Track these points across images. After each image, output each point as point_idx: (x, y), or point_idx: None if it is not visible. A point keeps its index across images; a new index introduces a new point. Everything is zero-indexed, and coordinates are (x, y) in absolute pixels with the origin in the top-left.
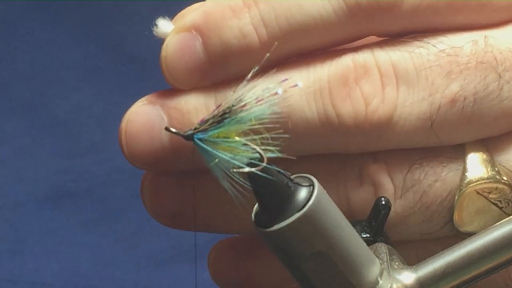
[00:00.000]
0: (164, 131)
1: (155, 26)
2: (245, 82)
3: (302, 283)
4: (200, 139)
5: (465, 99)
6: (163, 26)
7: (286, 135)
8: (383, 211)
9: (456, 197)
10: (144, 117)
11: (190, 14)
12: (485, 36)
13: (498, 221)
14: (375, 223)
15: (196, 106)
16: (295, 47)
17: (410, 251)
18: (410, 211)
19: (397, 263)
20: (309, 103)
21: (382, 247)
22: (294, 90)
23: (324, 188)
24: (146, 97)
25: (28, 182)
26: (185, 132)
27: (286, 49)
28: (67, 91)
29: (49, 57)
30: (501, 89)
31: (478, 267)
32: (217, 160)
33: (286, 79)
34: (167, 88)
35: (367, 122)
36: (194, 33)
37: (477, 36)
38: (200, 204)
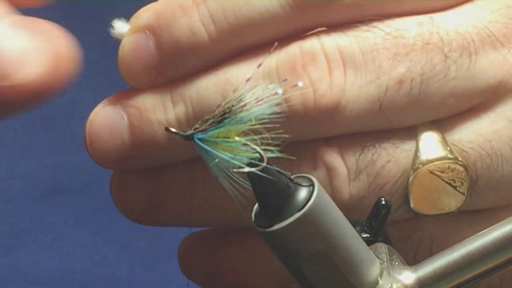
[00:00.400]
0: (124, 130)
1: (111, 28)
2: (245, 82)
3: (302, 283)
4: (200, 139)
5: (412, 80)
6: (119, 27)
7: (286, 135)
8: (383, 211)
9: (410, 178)
10: (105, 117)
11: (143, 15)
12: (431, 18)
13: (452, 201)
14: (375, 223)
15: (153, 104)
16: (244, 41)
17: None
18: (365, 192)
19: (397, 263)
20: None
21: (382, 247)
22: (242, 78)
23: None
24: (107, 98)
25: (22, 177)
26: (185, 132)
27: (236, 44)
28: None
29: None
30: (448, 69)
31: (478, 267)
32: (217, 160)
33: (286, 79)
34: None
35: (316, 107)
36: (147, 33)
37: (423, 18)
38: (172, 198)
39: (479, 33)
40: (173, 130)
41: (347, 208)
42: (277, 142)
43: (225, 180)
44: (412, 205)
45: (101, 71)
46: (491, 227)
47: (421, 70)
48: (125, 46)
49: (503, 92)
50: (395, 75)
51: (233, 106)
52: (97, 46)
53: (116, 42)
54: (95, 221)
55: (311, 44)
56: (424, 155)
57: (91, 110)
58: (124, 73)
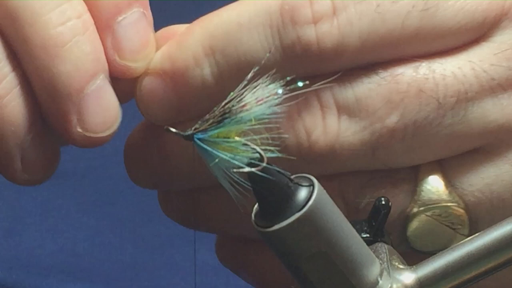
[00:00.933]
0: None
1: None
2: (245, 82)
3: (302, 283)
4: (200, 139)
5: (405, 128)
6: None
7: (286, 135)
8: (383, 211)
9: (408, 219)
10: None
11: (155, 58)
12: (429, 62)
13: (452, 241)
14: (375, 223)
15: None
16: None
17: None
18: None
19: (397, 263)
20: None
21: (382, 247)
22: None
23: None
24: None
25: None
26: (185, 132)
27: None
28: None
29: None
30: (443, 116)
31: (478, 267)
32: (217, 160)
33: (287, 79)
34: None
35: (311, 152)
36: (163, 78)
37: (420, 62)
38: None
39: (478, 77)
40: (173, 130)
41: None
42: (277, 142)
43: (225, 180)
44: (411, 244)
45: None
46: (491, 227)
47: (415, 118)
48: (143, 87)
49: (507, 135)
50: (388, 123)
51: (233, 106)
52: None
53: None
54: (99, 206)
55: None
56: (424, 197)
57: None
58: (143, 111)
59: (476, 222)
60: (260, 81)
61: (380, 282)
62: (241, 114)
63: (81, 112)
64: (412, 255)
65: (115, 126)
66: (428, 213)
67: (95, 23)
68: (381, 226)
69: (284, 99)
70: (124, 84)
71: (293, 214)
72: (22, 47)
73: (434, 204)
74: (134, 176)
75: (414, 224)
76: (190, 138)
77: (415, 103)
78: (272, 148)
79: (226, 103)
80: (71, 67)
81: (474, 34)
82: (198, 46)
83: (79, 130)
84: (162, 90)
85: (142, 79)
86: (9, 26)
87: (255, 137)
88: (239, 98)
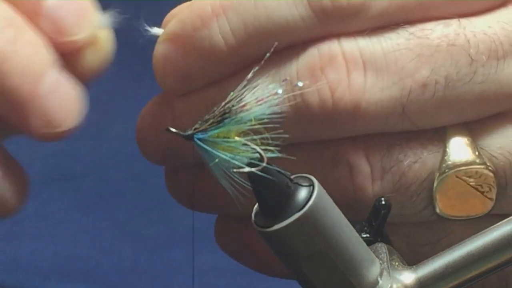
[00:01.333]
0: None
1: (148, 31)
2: (245, 82)
3: (302, 283)
4: (200, 139)
5: (436, 83)
6: (155, 31)
7: (286, 135)
8: (383, 211)
9: (436, 181)
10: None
11: (171, 22)
12: (458, 20)
13: (479, 205)
14: (375, 223)
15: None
16: (264, 50)
17: (399, 236)
18: (390, 192)
19: (397, 263)
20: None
21: (382, 247)
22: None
23: (303, 171)
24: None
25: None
26: (185, 132)
27: (256, 53)
28: None
29: None
30: (475, 72)
31: (478, 267)
32: (217, 160)
33: (286, 79)
34: None
35: (335, 109)
36: (174, 42)
37: (450, 20)
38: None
39: (508, 36)
40: (174, 130)
41: (370, 206)
42: (277, 142)
43: (225, 180)
44: (437, 208)
45: None
46: (491, 227)
47: (446, 73)
48: (157, 54)
49: None
50: (418, 78)
51: (233, 106)
52: None
53: (126, 32)
54: (98, 209)
55: (330, 46)
56: (452, 159)
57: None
58: (159, 80)
59: (504, 187)
60: (260, 81)
61: (380, 282)
62: (241, 114)
63: (41, 112)
64: (432, 226)
65: (80, 114)
66: (457, 175)
67: (26, 14)
68: (381, 226)
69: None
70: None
71: (293, 214)
72: None
73: (462, 166)
74: (145, 149)
75: (442, 186)
76: (190, 138)
77: (446, 57)
78: (272, 148)
79: (226, 103)
80: (18, 71)
81: None
82: (207, 4)
83: (43, 130)
84: (173, 55)
85: (156, 47)
86: None
87: (255, 137)
88: (239, 98)
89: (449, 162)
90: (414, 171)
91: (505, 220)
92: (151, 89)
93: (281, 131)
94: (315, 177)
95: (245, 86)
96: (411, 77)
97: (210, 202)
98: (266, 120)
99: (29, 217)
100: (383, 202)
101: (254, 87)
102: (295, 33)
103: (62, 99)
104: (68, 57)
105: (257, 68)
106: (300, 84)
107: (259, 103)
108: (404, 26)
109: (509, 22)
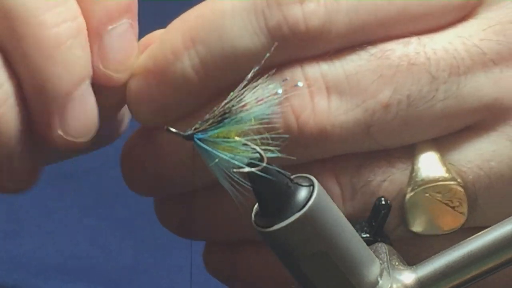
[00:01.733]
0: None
1: None
2: (245, 82)
3: (302, 283)
4: (200, 139)
5: (399, 103)
6: None
7: (286, 135)
8: (382, 211)
9: (406, 198)
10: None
11: (141, 58)
12: (419, 38)
13: (451, 220)
14: (375, 223)
15: None
16: (233, 78)
17: None
18: (361, 211)
19: (397, 263)
20: None
21: (382, 247)
22: None
23: None
24: None
25: None
26: (185, 132)
27: (224, 81)
28: None
29: None
30: (436, 90)
31: (478, 267)
32: (217, 160)
33: (286, 79)
34: None
35: (301, 134)
36: (147, 77)
37: (410, 39)
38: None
39: (469, 51)
40: (173, 130)
41: None
42: (277, 142)
43: (225, 180)
44: (409, 226)
45: None
46: (491, 227)
47: (408, 92)
48: (131, 89)
49: (501, 110)
50: (381, 98)
51: (233, 106)
52: None
53: None
54: (99, 208)
55: (292, 73)
56: (420, 176)
57: None
58: (134, 114)
59: (475, 200)
60: (260, 81)
61: (380, 282)
62: (241, 114)
63: (64, 116)
64: (409, 242)
65: (92, 133)
66: (426, 192)
67: (88, 30)
68: (381, 226)
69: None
70: (106, 95)
71: (293, 214)
72: (16, 47)
73: (431, 182)
74: (130, 182)
75: (412, 204)
76: (190, 138)
77: (407, 77)
78: (272, 148)
79: (226, 103)
80: (62, 69)
81: (461, 11)
82: (178, 39)
83: (60, 132)
84: (147, 90)
85: (129, 81)
86: (3, 27)
87: (255, 137)
88: (239, 98)
89: (418, 179)
90: (384, 189)
91: (505, 220)
92: None
93: (281, 131)
94: None
95: (245, 86)
96: (374, 98)
97: (198, 230)
98: (266, 120)
99: (30, 215)
100: (383, 202)
101: (254, 87)
102: (259, 60)
103: (86, 112)
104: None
105: (257, 68)
106: (300, 84)
107: (259, 103)
108: (365, 47)
109: (469, 36)
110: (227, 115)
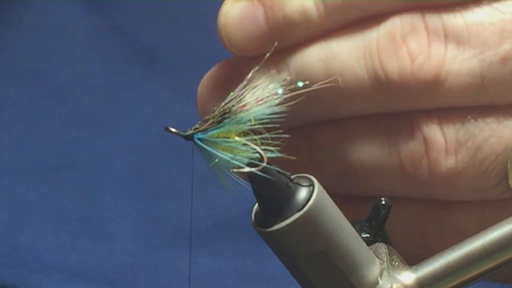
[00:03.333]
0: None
1: None
2: (245, 82)
3: (302, 283)
4: (200, 139)
5: None
6: None
7: (286, 135)
8: (383, 211)
9: (510, 154)
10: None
11: None
12: None
13: None
14: (375, 223)
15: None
16: (350, 16)
17: (470, 216)
18: (464, 166)
19: (397, 263)
20: (359, 61)
21: (382, 247)
22: (344, 51)
23: (376, 144)
24: None
25: (28, 151)
26: (185, 132)
27: (342, 19)
28: (73, 59)
29: (56, 23)
30: None
31: (478, 267)
32: (217, 160)
33: (287, 79)
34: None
35: (413, 78)
36: (256, 3)
37: None
38: None
39: None
40: (173, 130)
41: (442, 181)
42: (277, 142)
43: (225, 180)
44: (511, 184)
45: (113, 47)
46: (491, 227)
47: None
48: (230, 13)
49: None
50: (500, 51)
51: (233, 106)
52: (110, 22)
53: (131, 21)
54: (101, 200)
55: (413, 16)
56: None
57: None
58: (226, 40)
59: None
60: (260, 81)
61: (380, 282)
62: (241, 114)
63: None
64: (506, 205)
65: None
66: None
67: None
68: (381, 226)
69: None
70: None
71: (293, 214)
72: None
73: None
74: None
75: None
76: (190, 138)
77: None
78: (272, 148)
79: (226, 103)
80: None
81: None
82: None
83: None
84: (253, 16)
85: (229, 5)
86: None
87: (255, 137)
88: (239, 98)
89: None
90: (490, 145)
91: (505, 220)
92: (156, 82)
93: (281, 130)
94: (386, 148)
95: (245, 86)
96: (492, 50)
97: None
98: (266, 120)
99: (32, 205)
100: (383, 202)
101: (254, 87)
102: (381, 3)
103: None
104: None
105: (257, 68)
106: (300, 84)
107: (259, 103)
108: (489, 0)
109: None
110: (227, 115)
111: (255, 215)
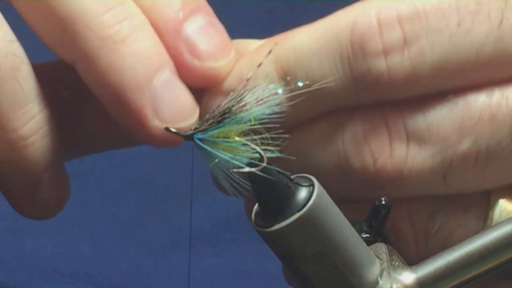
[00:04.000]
0: None
1: None
2: (245, 82)
3: (302, 283)
4: (200, 139)
5: (477, 153)
6: None
7: (286, 135)
8: (383, 211)
9: None
10: None
11: (228, 78)
12: (502, 89)
13: None
14: (375, 223)
15: None
16: (309, 113)
17: None
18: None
19: (397, 263)
20: (326, 147)
21: (382, 247)
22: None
23: None
24: None
25: None
26: (185, 132)
27: (302, 115)
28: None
29: None
30: None
31: (478, 267)
32: (217, 160)
33: (287, 79)
34: None
35: (377, 175)
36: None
37: (492, 89)
38: None
39: None
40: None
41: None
42: (277, 142)
43: (225, 180)
44: None
45: None
46: (491, 227)
47: (487, 144)
48: (212, 106)
49: None
50: (460, 149)
51: (233, 106)
52: None
53: None
54: (102, 208)
55: (374, 115)
56: (496, 222)
57: None
58: None
59: None
60: (260, 81)
61: (380, 282)
62: (241, 114)
63: (155, 103)
64: None
65: (193, 118)
66: None
67: (160, 30)
68: (381, 226)
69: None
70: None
71: (293, 214)
72: (82, 52)
73: None
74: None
75: None
76: (190, 138)
77: (488, 129)
78: (272, 148)
79: (226, 103)
80: (134, 59)
81: None
82: (271, 67)
83: (157, 122)
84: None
85: (210, 98)
86: (65, 34)
87: (255, 137)
88: (239, 98)
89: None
90: (458, 236)
91: (505, 220)
92: None
93: (281, 131)
94: None
95: (245, 86)
96: (453, 148)
97: None
98: (266, 120)
99: None
100: (383, 202)
101: (254, 87)
102: (339, 99)
103: (177, 97)
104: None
105: (257, 68)
106: (300, 84)
107: (259, 103)
108: (448, 96)
109: None
110: (227, 115)
111: (255, 215)
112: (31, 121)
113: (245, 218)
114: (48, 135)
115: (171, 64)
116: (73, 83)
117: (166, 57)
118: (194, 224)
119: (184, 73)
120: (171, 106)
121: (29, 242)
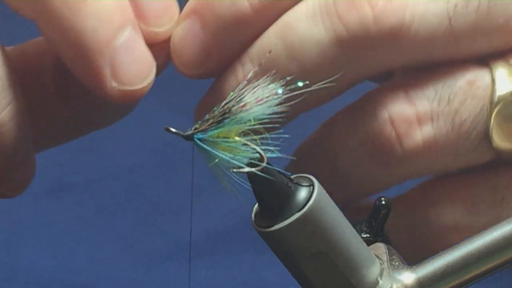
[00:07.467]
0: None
1: None
2: (245, 82)
3: (302, 283)
4: (200, 139)
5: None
6: None
7: (286, 135)
8: (383, 211)
9: (493, 111)
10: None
11: (189, 2)
12: None
13: None
14: (375, 223)
15: None
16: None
17: (462, 191)
18: (443, 134)
19: (397, 263)
20: (317, 25)
21: (382, 247)
22: (299, 20)
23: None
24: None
25: None
26: (185, 132)
27: (278, 10)
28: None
29: None
30: None
31: (478, 267)
32: (217, 160)
33: (286, 79)
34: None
35: (377, 25)
36: (192, 17)
37: None
38: None
39: None
40: (173, 130)
41: (425, 155)
42: (277, 142)
43: (225, 180)
44: (493, 140)
45: None
46: (491, 227)
47: None
48: (175, 36)
49: None
50: None
51: (233, 106)
52: None
53: None
54: (98, 221)
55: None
56: (501, 90)
57: None
58: (176, 63)
59: None
60: (260, 81)
61: (380, 282)
62: (241, 114)
63: (114, 65)
64: (494, 181)
65: (150, 78)
66: (508, 103)
67: None
68: (381, 226)
69: None
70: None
71: (293, 214)
72: (44, 12)
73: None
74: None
75: (498, 116)
76: (190, 138)
77: None
78: (272, 148)
79: (226, 103)
80: (96, 20)
81: None
82: None
83: (114, 84)
84: (191, 30)
85: (174, 30)
86: None
87: (255, 137)
88: (239, 98)
89: (499, 93)
90: (467, 107)
91: (505, 220)
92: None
93: (281, 131)
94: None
95: (245, 86)
96: None
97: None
98: (266, 120)
99: (29, 227)
100: (383, 202)
101: (254, 87)
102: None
103: (136, 57)
104: None
105: (257, 68)
106: (300, 84)
107: (259, 103)
108: None
109: None
110: (227, 115)
111: (255, 215)
112: (6, 108)
113: (241, 229)
114: (20, 124)
115: (133, 22)
116: (46, 68)
117: (128, 14)
118: (188, 237)
119: None
120: (129, 68)
121: (26, 254)
